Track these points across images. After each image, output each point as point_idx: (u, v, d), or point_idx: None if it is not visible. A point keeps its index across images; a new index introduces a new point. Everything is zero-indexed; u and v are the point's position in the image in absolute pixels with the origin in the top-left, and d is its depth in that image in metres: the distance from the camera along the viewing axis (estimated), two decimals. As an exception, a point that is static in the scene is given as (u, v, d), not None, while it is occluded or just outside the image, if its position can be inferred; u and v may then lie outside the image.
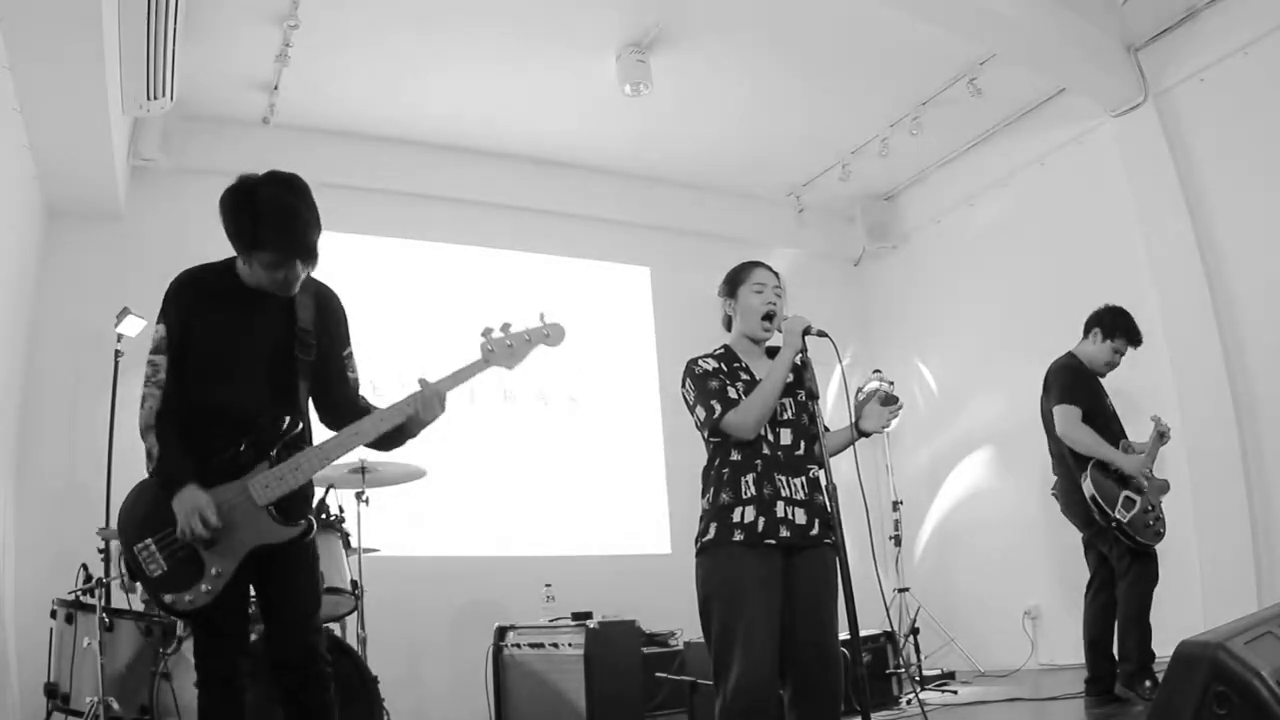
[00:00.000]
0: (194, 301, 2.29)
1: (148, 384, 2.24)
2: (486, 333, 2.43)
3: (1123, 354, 4.14)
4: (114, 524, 2.84)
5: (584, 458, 6.11)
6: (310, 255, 2.23)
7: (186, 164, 5.10)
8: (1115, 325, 4.10)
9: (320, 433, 2.41)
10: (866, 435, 2.67)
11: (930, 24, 4.84)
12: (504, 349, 2.43)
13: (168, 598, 2.17)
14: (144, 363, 2.27)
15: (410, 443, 2.45)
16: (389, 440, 2.41)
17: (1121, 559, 3.91)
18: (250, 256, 2.22)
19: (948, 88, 5.74)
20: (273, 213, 2.17)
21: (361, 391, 2.50)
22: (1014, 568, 5.96)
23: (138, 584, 2.23)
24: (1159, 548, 3.94)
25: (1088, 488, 3.88)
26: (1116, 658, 3.92)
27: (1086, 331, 4.19)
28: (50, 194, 4.79)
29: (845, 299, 7.39)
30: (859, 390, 5.90)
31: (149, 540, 2.18)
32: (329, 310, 2.45)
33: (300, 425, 2.32)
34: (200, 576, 2.17)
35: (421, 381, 2.36)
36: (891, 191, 7.17)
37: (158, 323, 2.29)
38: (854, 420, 2.66)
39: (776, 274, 2.72)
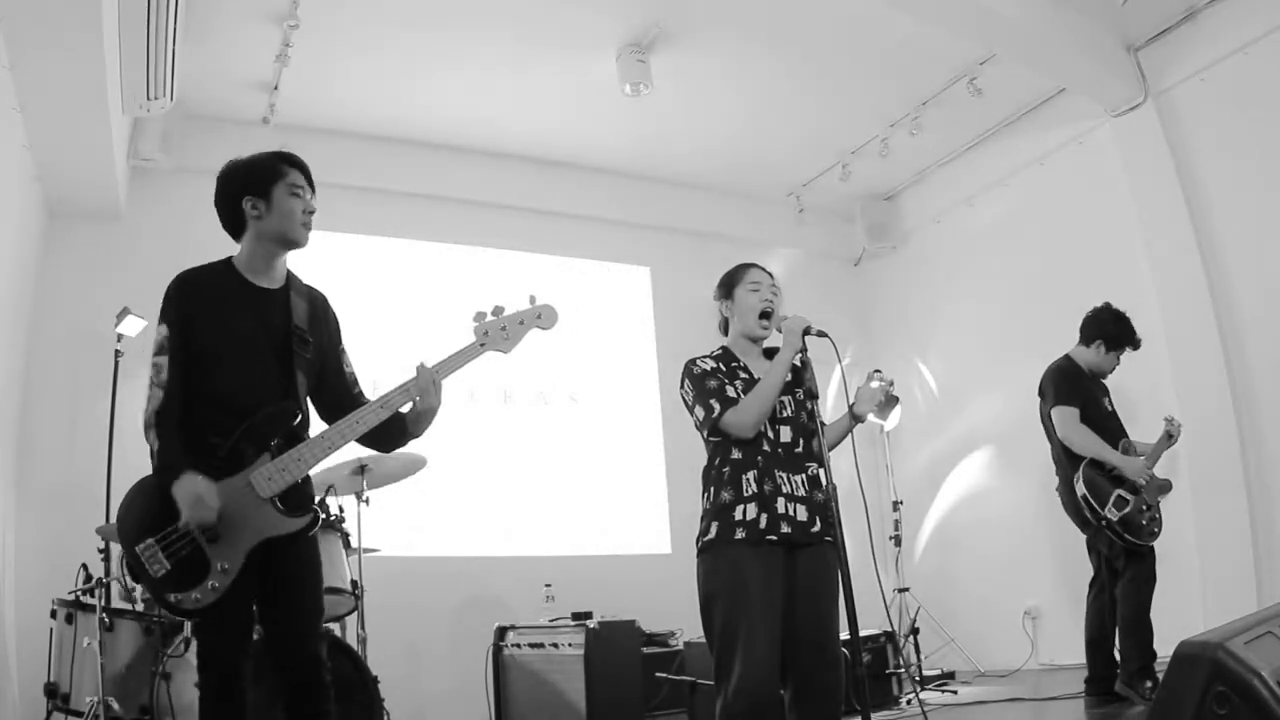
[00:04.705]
0: (194, 299, 2.30)
1: (151, 385, 2.24)
2: (479, 317, 2.47)
3: (1121, 355, 4.17)
4: (114, 523, 2.83)
5: (584, 457, 6.10)
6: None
7: (186, 164, 5.09)
8: (1119, 336, 4.13)
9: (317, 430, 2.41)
10: (861, 419, 2.68)
11: (930, 24, 4.84)
12: (498, 333, 2.46)
13: (173, 597, 2.15)
14: (147, 364, 2.28)
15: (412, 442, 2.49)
16: (389, 437, 2.43)
17: (1118, 558, 3.92)
18: (276, 186, 2.33)
19: (948, 88, 5.74)
20: (279, 152, 2.38)
21: (360, 387, 2.53)
22: (1014, 568, 5.96)
23: (139, 586, 2.22)
24: (1158, 548, 3.95)
25: (1079, 487, 3.90)
26: (1119, 658, 3.93)
27: (1087, 341, 4.18)
28: (50, 194, 4.79)
29: (845, 299, 7.39)
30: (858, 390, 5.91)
31: (150, 540, 2.16)
32: (322, 312, 2.49)
33: (300, 416, 2.33)
34: (207, 574, 2.15)
35: (419, 367, 2.38)
36: (891, 191, 7.16)
37: (159, 323, 2.30)
38: (849, 406, 2.68)
39: (771, 274, 2.75)
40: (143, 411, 2.24)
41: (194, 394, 2.28)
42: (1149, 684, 3.72)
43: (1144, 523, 3.88)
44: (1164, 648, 3.66)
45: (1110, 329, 4.14)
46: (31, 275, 4.76)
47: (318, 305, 2.48)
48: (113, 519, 3.10)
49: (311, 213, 2.38)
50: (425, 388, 2.36)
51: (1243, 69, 4.84)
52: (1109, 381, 4.25)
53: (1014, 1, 4.66)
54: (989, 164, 6.38)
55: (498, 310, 2.48)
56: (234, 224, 2.38)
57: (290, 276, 2.45)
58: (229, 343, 2.28)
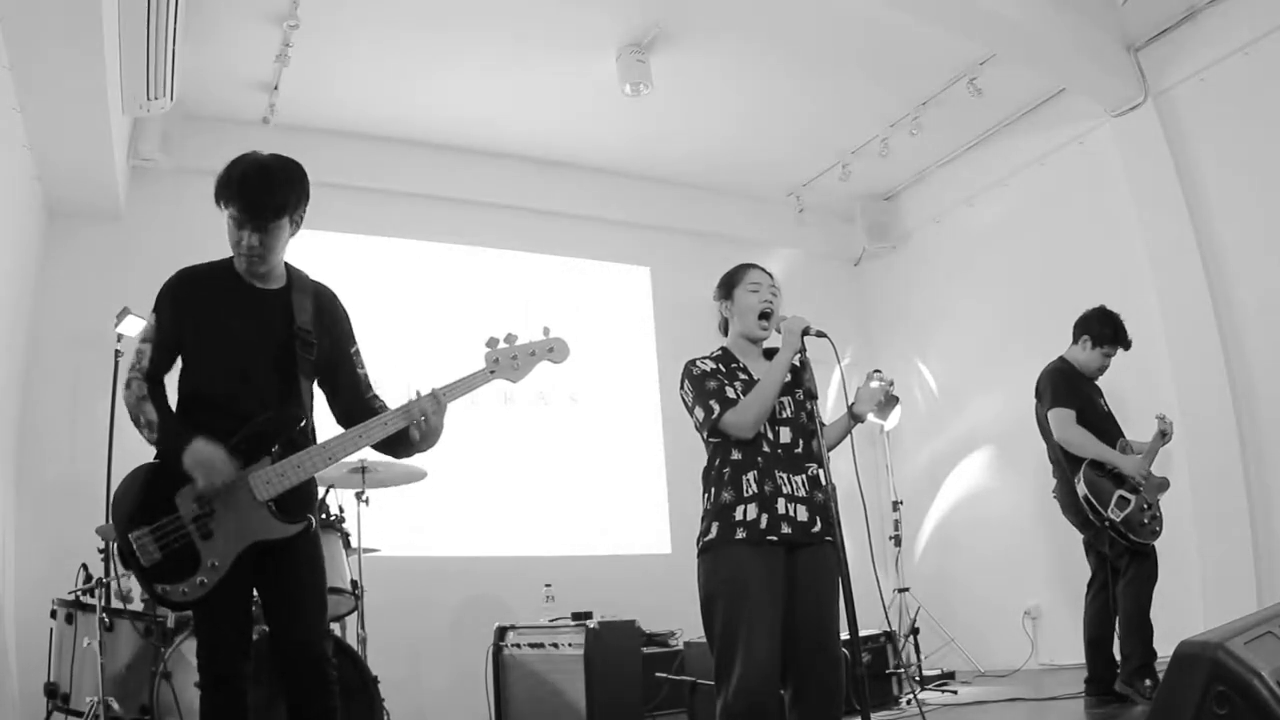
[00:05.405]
0: (192, 297, 2.30)
1: (132, 369, 2.26)
2: (491, 343, 2.43)
3: (1112, 357, 4.17)
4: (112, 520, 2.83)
5: (584, 458, 6.10)
6: (265, 215, 2.22)
7: (186, 164, 5.09)
8: (1103, 332, 4.13)
9: (324, 432, 2.40)
10: (861, 419, 2.69)
11: (930, 24, 4.84)
12: (509, 362, 2.44)
13: (161, 588, 2.15)
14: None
15: None
16: (397, 447, 2.41)
17: (1120, 557, 3.92)
18: (224, 213, 2.26)
19: (948, 88, 5.74)
20: (245, 170, 2.23)
21: (374, 391, 2.51)
22: (1014, 568, 5.96)
23: (129, 572, 2.23)
24: (1159, 547, 3.95)
25: (1081, 488, 3.90)
26: (1117, 658, 3.93)
27: (1076, 337, 4.21)
28: (50, 194, 4.79)
29: (845, 299, 7.40)
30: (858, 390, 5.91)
31: (144, 529, 2.16)
32: (329, 310, 2.45)
33: (303, 422, 2.32)
34: (196, 568, 2.15)
35: (429, 390, 2.36)
36: (891, 191, 7.16)
37: (151, 311, 2.31)
38: (849, 406, 2.68)
39: (771, 275, 2.75)
40: (128, 394, 2.24)
41: (191, 396, 2.28)
42: (1149, 682, 3.73)
43: (1145, 521, 3.89)
44: (1164, 647, 3.66)
45: (1094, 327, 4.14)
46: (31, 275, 4.76)
47: (324, 302, 2.44)
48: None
49: (251, 246, 2.25)
50: (423, 413, 2.33)
51: (1243, 69, 4.83)
52: (1104, 383, 4.25)
53: (1014, 2, 4.66)
54: (989, 164, 6.38)
55: (510, 338, 2.45)
56: None
57: (293, 275, 2.42)
58: (227, 345, 2.27)
